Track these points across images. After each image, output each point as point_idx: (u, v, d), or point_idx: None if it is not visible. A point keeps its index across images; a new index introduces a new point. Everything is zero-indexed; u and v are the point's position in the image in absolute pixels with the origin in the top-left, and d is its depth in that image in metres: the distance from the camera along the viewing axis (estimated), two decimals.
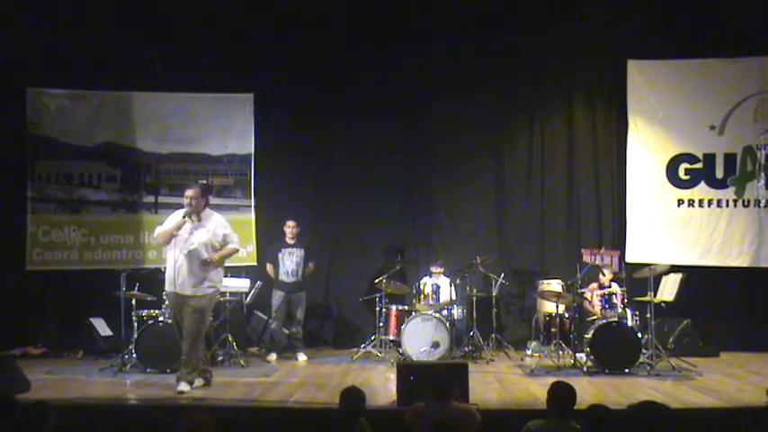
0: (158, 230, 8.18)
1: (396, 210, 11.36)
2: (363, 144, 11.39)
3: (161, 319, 9.35)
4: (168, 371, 8.98)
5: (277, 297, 10.43)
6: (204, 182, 9.84)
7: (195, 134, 11.31)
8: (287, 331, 10.50)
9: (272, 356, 10.29)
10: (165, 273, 9.92)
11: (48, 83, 10.95)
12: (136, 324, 9.49)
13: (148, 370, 9.08)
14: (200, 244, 8.05)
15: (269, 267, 10.60)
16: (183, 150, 11.36)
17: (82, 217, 10.91)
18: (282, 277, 10.45)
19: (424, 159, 11.56)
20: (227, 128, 11.31)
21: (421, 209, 11.62)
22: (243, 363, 9.68)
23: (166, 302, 9.43)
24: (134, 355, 9.24)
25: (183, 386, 8.00)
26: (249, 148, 11.33)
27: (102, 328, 10.46)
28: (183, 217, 8.06)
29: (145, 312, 9.59)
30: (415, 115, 11.46)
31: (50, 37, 10.63)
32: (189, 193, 8.13)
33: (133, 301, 9.55)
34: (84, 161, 11.02)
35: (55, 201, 10.84)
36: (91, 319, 10.45)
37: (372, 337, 10.44)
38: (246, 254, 11.20)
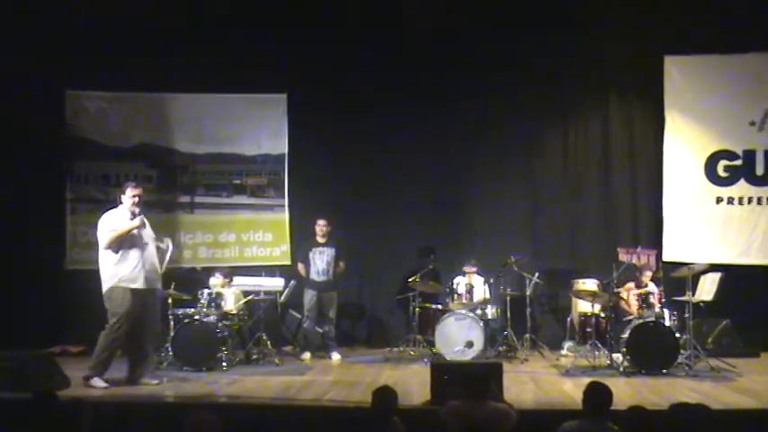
0: (112, 236, 8.10)
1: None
2: (396, 143, 11.37)
3: (197, 317, 9.42)
4: (204, 369, 9.05)
5: (309, 296, 10.46)
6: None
7: (230, 134, 11.39)
8: (320, 330, 10.52)
9: (306, 355, 10.32)
10: (200, 272, 10.08)
11: (86, 85, 11.10)
12: (172, 322, 9.57)
13: (185, 368, 9.14)
14: (150, 239, 8.33)
15: (300, 266, 10.63)
16: (218, 151, 11.45)
17: None
18: (314, 276, 10.47)
19: (456, 158, 11.48)
20: (261, 128, 11.38)
21: (454, 208, 11.56)
22: (277, 361, 9.73)
23: (202, 301, 9.53)
24: (171, 353, 9.30)
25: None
26: (282, 147, 11.38)
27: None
28: (137, 215, 8.21)
29: (181, 311, 9.66)
30: (447, 114, 11.39)
31: (88, 39, 10.73)
32: (140, 191, 8.32)
33: (169, 300, 9.63)
34: (120, 162, 11.16)
35: (92, 201, 10.96)
36: None
37: (406, 337, 10.43)
38: (280, 253, 11.27)
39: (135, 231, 8.17)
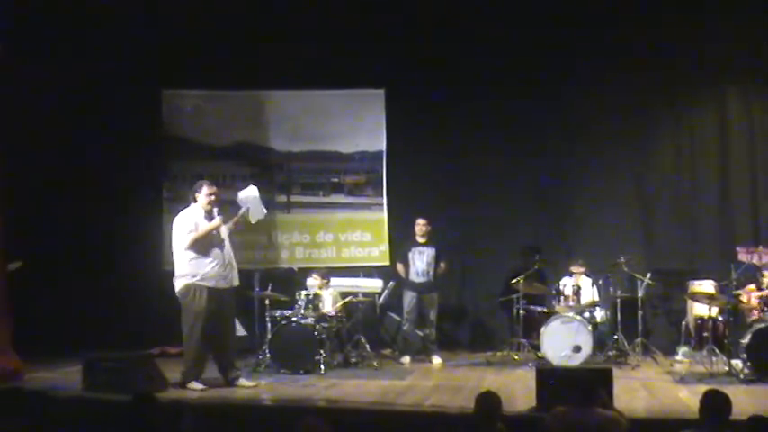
0: (193, 237, 8.19)
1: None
2: (497, 138, 11.32)
3: (294, 319, 9.56)
4: (302, 371, 9.18)
5: (408, 298, 10.49)
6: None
7: (327, 132, 11.53)
8: (420, 333, 10.53)
9: (406, 359, 10.36)
10: (297, 273, 10.18)
11: (182, 84, 11.40)
12: (269, 324, 9.74)
13: (282, 371, 9.29)
14: (226, 236, 8.45)
15: (399, 267, 10.67)
16: (315, 149, 11.60)
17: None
18: (413, 277, 10.50)
19: (563, 152, 11.38)
20: (359, 125, 11.47)
21: (560, 205, 11.44)
22: (376, 365, 9.79)
23: (299, 303, 9.64)
24: (268, 356, 9.47)
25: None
26: (380, 144, 11.45)
27: (236, 327, 10.74)
28: (214, 215, 8.33)
29: (278, 313, 9.80)
30: (552, 107, 11.28)
31: (184, 37, 11.04)
32: (216, 189, 8.41)
33: (267, 301, 9.80)
34: (216, 161, 11.41)
35: (188, 201, 11.22)
36: None
37: (510, 340, 10.37)
38: (379, 253, 11.33)
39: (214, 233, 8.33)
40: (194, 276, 8.19)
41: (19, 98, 9.88)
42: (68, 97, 11.06)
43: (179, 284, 8.27)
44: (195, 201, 8.40)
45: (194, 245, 8.21)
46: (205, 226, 8.25)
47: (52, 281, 10.78)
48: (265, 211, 8.91)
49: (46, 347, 9.96)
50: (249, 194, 8.71)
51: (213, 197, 8.38)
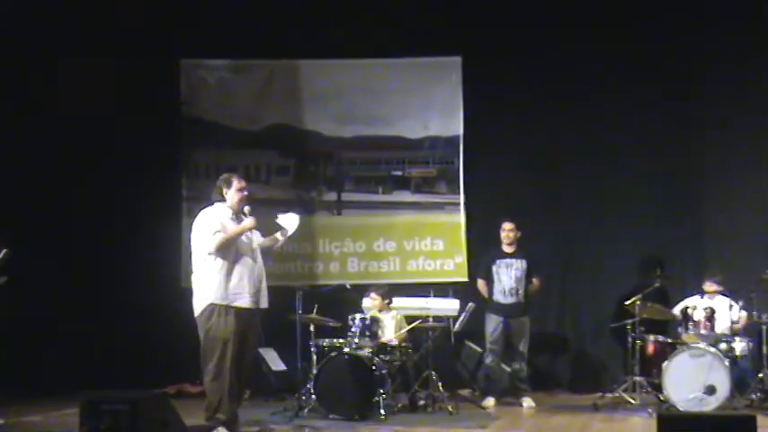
0: (220, 240, 8.11)
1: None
2: (606, 123, 11.32)
3: (346, 350, 9.57)
4: (356, 417, 9.19)
5: (492, 323, 10.47)
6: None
7: (387, 112, 11.60)
8: (507, 368, 10.53)
9: (490, 401, 10.35)
10: (350, 291, 10.14)
11: (205, 52, 11.52)
12: (315, 356, 9.77)
13: (331, 416, 9.31)
14: (258, 245, 8.39)
15: (480, 284, 10.67)
16: (372, 133, 11.70)
17: None
18: (498, 297, 10.48)
19: (691, 143, 11.37)
20: (429, 102, 11.54)
21: (687, 207, 11.40)
22: (451, 409, 9.76)
23: (353, 329, 9.61)
24: (313, 396, 9.49)
25: None
26: (456, 128, 11.50)
27: (273, 360, 10.84)
28: (247, 214, 8.27)
29: (326, 341, 9.84)
30: (680, 92, 11.28)
31: None
32: (244, 182, 8.39)
33: (311, 327, 9.83)
34: (249, 149, 11.57)
35: (211, 199, 11.32)
36: (260, 350, 10.76)
37: (623, 379, 10.28)
38: (454, 266, 11.34)
39: (244, 235, 8.35)
40: (220, 294, 8.20)
41: None
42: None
43: (201, 304, 8.25)
44: (223, 198, 8.38)
45: (221, 250, 8.21)
46: (234, 228, 8.28)
47: (44, 298, 10.90)
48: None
49: (37, 385, 10.12)
50: (291, 224, 8.71)
51: (245, 192, 8.41)
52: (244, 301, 8.22)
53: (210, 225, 8.15)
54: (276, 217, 8.55)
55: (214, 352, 8.17)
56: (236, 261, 8.21)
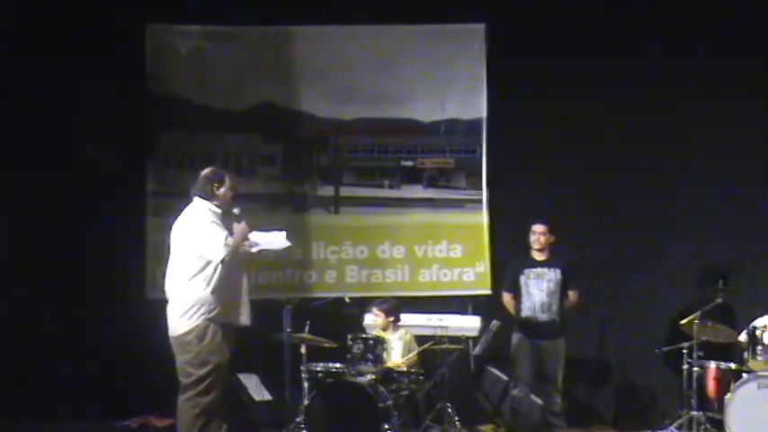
0: (226, 248, 8.21)
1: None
2: (656, 104, 11.41)
3: (345, 375, 9.65)
4: None
5: (520, 345, 10.57)
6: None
7: (395, 89, 11.68)
8: (538, 400, 10.62)
9: None
10: (350, 305, 10.19)
11: (176, 16, 11.55)
12: (306, 383, 9.88)
13: None
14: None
15: (506, 298, 10.78)
16: (377, 115, 11.79)
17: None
18: (527, 313, 10.57)
19: (758, 131, 11.43)
20: (446, 78, 11.61)
21: (755, 208, 11.47)
22: None
23: (352, 352, 9.71)
24: (303, 431, 9.58)
25: None
26: (479, 110, 11.62)
27: (256, 389, 10.89)
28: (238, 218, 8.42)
29: (320, 366, 9.96)
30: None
31: None
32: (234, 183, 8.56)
33: (302, 349, 9.92)
34: (228, 133, 11.64)
35: (187, 195, 11.34)
36: (239, 376, 10.88)
37: (677, 413, 10.38)
38: (476, 276, 11.40)
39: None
40: (218, 310, 8.25)
41: None
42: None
43: (191, 322, 8.27)
44: (210, 195, 8.40)
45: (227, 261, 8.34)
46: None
47: None
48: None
49: None
50: (274, 244, 8.80)
51: (233, 192, 8.57)
52: (237, 319, 8.34)
53: (219, 230, 8.23)
54: (251, 233, 8.56)
55: (203, 379, 8.24)
56: (231, 271, 8.29)
